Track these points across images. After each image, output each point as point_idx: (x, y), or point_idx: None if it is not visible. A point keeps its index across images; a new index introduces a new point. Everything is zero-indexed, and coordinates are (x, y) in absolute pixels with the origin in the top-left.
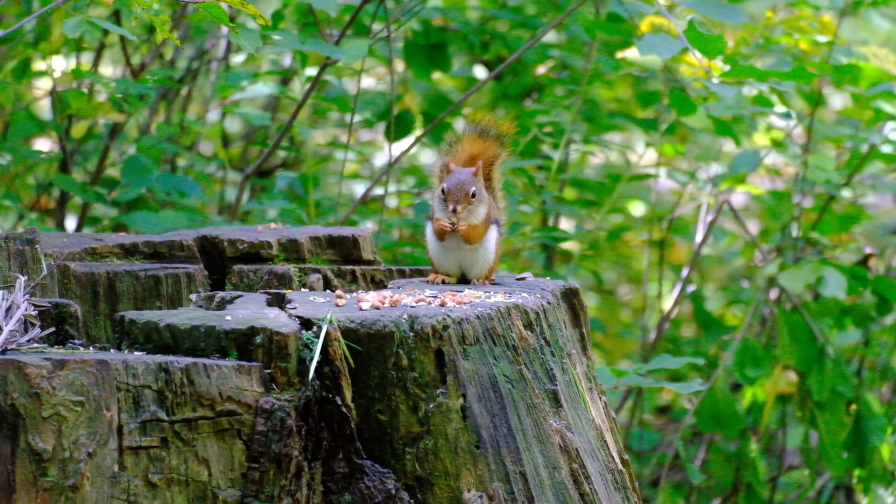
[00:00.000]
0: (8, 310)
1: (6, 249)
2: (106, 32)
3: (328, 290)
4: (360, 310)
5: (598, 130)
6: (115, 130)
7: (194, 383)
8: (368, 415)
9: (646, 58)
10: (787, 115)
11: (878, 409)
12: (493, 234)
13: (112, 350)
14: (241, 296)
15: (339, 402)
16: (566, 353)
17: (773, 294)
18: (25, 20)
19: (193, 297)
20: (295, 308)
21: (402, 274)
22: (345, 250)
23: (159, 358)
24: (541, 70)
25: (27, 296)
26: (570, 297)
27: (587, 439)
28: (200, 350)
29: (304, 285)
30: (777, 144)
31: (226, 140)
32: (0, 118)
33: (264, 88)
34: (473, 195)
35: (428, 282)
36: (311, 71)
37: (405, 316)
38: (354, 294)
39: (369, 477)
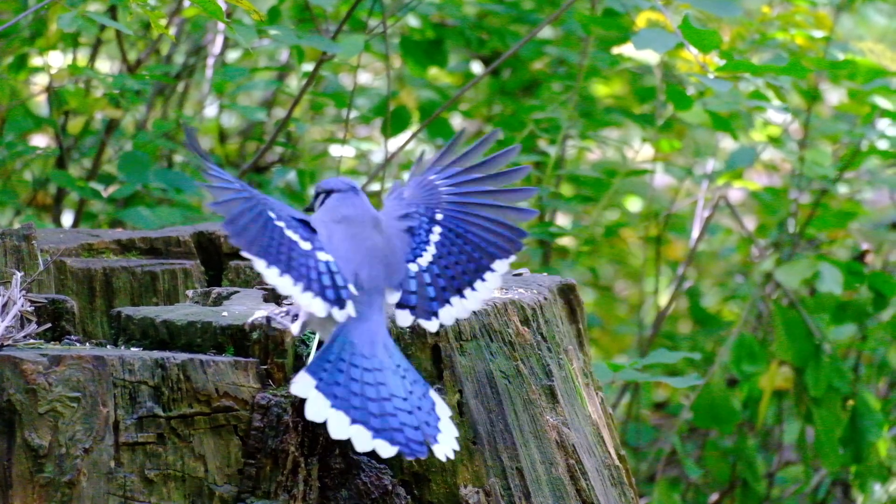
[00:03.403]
0: (4, 305)
1: (2, 245)
2: (102, 28)
3: None
4: None
5: (595, 126)
6: (111, 126)
7: (191, 379)
8: None
9: (642, 53)
10: (784, 109)
11: (874, 404)
12: None
13: (108, 346)
14: (238, 292)
15: None
16: (563, 349)
17: (770, 290)
18: (21, 15)
19: (190, 293)
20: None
21: None
22: None
23: (156, 354)
24: (537, 66)
25: (23, 292)
26: (567, 293)
27: (584, 435)
28: (197, 346)
29: None
30: (774, 140)
31: (222, 136)
32: None
33: (262, 84)
34: None
35: None
36: (308, 67)
37: None
38: None
39: (366, 472)
